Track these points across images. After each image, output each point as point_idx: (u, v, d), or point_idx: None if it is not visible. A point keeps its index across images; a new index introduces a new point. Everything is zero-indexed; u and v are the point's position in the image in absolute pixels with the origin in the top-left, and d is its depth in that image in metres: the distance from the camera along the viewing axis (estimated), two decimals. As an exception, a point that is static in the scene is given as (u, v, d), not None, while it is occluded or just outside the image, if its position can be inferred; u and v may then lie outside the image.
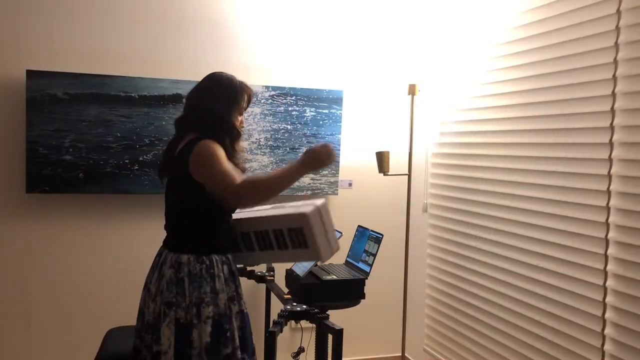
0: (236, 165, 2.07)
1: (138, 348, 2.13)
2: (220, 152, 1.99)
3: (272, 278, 3.08)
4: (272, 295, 3.11)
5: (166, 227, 2.16)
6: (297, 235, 2.09)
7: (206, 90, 2.11)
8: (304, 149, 3.39)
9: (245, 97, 2.16)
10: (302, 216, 2.05)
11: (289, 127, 3.42)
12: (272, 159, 3.39)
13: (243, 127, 2.18)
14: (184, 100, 2.23)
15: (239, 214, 2.25)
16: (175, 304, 2.01)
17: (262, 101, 3.35)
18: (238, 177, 1.97)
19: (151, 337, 2.05)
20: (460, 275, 3.13)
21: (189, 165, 1.99)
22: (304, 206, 2.10)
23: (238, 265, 2.23)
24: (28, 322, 3.14)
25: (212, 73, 2.16)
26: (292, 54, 3.49)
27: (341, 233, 2.92)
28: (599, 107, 2.26)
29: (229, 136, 2.08)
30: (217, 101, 2.07)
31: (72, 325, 3.20)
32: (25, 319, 3.13)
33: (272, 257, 2.22)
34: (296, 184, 3.41)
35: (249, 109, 3.30)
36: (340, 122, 3.51)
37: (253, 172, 3.35)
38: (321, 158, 2.00)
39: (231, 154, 2.06)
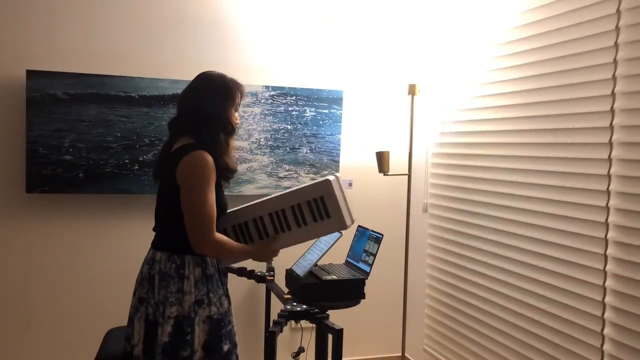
0: (227, 165, 2.08)
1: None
2: (209, 173, 1.98)
3: (272, 278, 3.08)
4: (272, 295, 3.11)
5: (154, 229, 2.19)
6: (317, 207, 2.11)
7: (200, 90, 2.10)
8: (303, 149, 3.43)
9: (238, 94, 2.15)
10: (325, 183, 2.10)
11: (289, 127, 3.42)
12: (272, 159, 3.39)
13: (238, 124, 2.18)
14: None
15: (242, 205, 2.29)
16: (146, 299, 2.04)
17: (262, 101, 3.35)
18: (214, 226, 1.99)
19: (130, 331, 2.09)
20: (460, 275, 3.13)
21: (176, 168, 1.99)
22: (320, 178, 2.16)
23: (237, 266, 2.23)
24: (28, 322, 3.14)
25: (202, 73, 2.16)
26: (292, 54, 3.50)
27: (341, 233, 2.92)
28: (599, 107, 2.26)
29: (225, 132, 2.08)
30: (211, 99, 2.07)
31: (72, 325, 3.20)
32: (25, 319, 3.13)
33: (289, 239, 2.19)
34: (296, 183, 3.43)
35: (249, 109, 3.32)
36: (340, 122, 3.51)
37: (252, 171, 3.36)
38: (262, 254, 2.16)
39: (224, 152, 2.07)
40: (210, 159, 1.99)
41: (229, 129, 2.11)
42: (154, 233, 2.17)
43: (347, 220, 2.15)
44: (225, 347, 2.08)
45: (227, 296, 2.19)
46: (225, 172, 2.09)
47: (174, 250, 2.06)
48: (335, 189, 2.11)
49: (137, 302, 2.08)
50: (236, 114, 2.17)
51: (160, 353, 1.98)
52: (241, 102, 2.21)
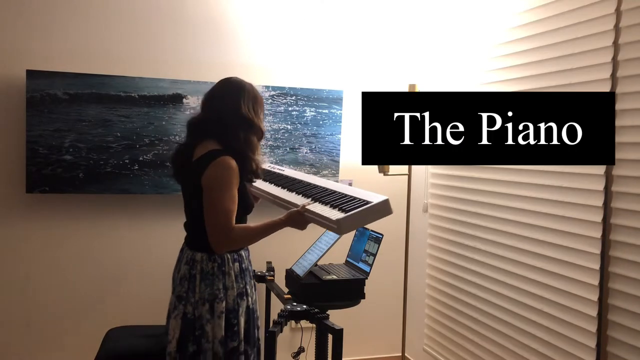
0: (257, 167, 2.17)
1: None
2: (234, 180, 2.07)
3: (272, 278, 3.08)
4: (272, 295, 3.11)
5: (185, 225, 2.26)
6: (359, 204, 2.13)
7: (233, 94, 2.16)
8: (303, 149, 3.43)
9: (263, 103, 2.27)
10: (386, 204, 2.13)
11: (289, 127, 3.42)
12: (272, 159, 3.39)
13: (264, 132, 2.27)
14: (198, 103, 2.29)
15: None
16: (185, 298, 2.12)
17: (262, 101, 3.35)
18: (232, 225, 2.06)
19: (167, 327, 2.18)
20: (460, 275, 3.13)
21: (204, 173, 2.06)
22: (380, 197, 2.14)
23: None
24: (28, 322, 3.14)
25: (229, 78, 2.23)
26: (292, 54, 3.50)
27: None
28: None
29: (255, 133, 2.17)
30: (247, 104, 2.15)
31: (72, 325, 3.20)
32: (25, 319, 3.13)
33: (318, 215, 2.16)
34: (296, 184, 3.43)
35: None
36: (340, 122, 3.51)
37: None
38: (299, 222, 2.18)
39: (254, 154, 2.15)
40: (234, 164, 2.07)
41: (258, 132, 2.19)
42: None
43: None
44: (257, 334, 2.25)
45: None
46: (252, 175, 2.18)
47: (213, 250, 2.12)
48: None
49: (175, 300, 2.16)
50: (262, 123, 2.25)
51: (218, 347, 2.07)
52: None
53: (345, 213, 2.06)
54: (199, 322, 2.09)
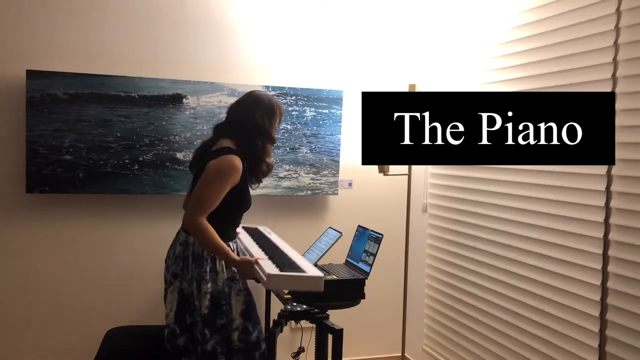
0: (264, 168, 2.46)
1: None
2: (230, 178, 2.30)
3: (272, 278, 3.07)
4: (272, 295, 3.11)
5: (183, 206, 2.51)
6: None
7: (250, 104, 2.46)
8: (303, 149, 3.43)
9: (278, 114, 2.51)
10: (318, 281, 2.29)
11: (289, 127, 3.42)
12: (272, 159, 3.38)
13: (275, 139, 2.54)
14: (226, 110, 2.55)
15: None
16: (180, 275, 2.34)
17: (262, 101, 3.35)
18: (205, 213, 2.29)
19: (164, 303, 2.42)
20: (460, 275, 3.13)
21: (211, 161, 2.31)
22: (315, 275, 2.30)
23: None
24: (28, 322, 3.14)
25: (253, 91, 2.54)
26: (292, 54, 3.50)
27: (341, 233, 2.93)
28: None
29: (266, 140, 2.44)
30: (260, 113, 2.44)
31: (72, 325, 3.20)
32: (25, 319, 3.13)
33: (267, 269, 2.32)
34: (296, 184, 3.43)
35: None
36: (340, 122, 3.51)
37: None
38: (244, 270, 2.35)
39: (262, 156, 2.44)
40: (239, 164, 2.32)
41: (269, 139, 2.46)
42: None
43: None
44: (254, 311, 2.43)
45: None
46: (260, 174, 2.48)
47: None
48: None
49: (171, 277, 2.37)
50: (274, 131, 2.51)
51: (200, 322, 2.30)
52: (281, 122, 2.59)
53: (280, 271, 2.23)
54: (191, 298, 2.32)
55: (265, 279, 2.19)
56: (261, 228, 3.20)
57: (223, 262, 2.33)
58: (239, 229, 2.89)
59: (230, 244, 2.41)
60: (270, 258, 2.42)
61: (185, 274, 2.33)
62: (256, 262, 2.33)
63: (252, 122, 2.41)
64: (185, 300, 2.34)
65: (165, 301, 2.41)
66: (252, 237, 2.87)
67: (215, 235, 2.28)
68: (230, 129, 2.44)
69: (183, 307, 2.34)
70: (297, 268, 2.31)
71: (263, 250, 2.59)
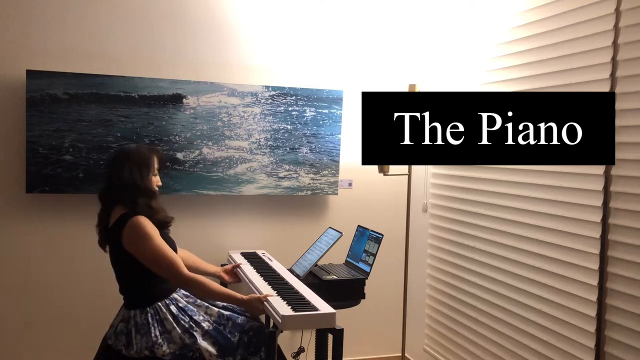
0: (158, 221, 2.38)
1: None
2: (151, 231, 2.31)
3: (272, 278, 3.08)
4: (272, 295, 3.10)
5: (120, 291, 2.49)
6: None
7: (119, 164, 2.41)
8: (303, 149, 3.43)
9: (155, 159, 2.47)
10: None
11: (289, 127, 3.42)
12: (272, 159, 3.39)
13: (159, 184, 2.50)
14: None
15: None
16: (126, 350, 2.31)
17: (262, 101, 3.35)
18: (181, 266, 2.33)
19: None
20: (460, 275, 3.13)
21: (122, 239, 2.31)
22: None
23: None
24: (28, 322, 3.14)
25: (122, 148, 2.53)
26: (292, 54, 3.50)
27: (341, 233, 2.93)
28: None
29: (145, 197, 2.38)
30: (129, 172, 2.38)
31: (72, 326, 3.20)
32: (25, 319, 3.13)
33: (276, 306, 2.35)
34: (296, 184, 3.43)
35: (249, 109, 3.32)
36: (340, 122, 3.51)
37: (252, 171, 3.35)
38: (253, 309, 2.41)
39: (152, 213, 2.36)
40: (143, 219, 2.31)
41: (148, 194, 2.40)
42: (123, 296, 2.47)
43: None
44: (228, 339, 2.40)
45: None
46: (165, 224, 2.42)
47: (144, 304, 2.36)
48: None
49: (106, 351, 2.36)
50: (156, 178, 2.48)
51: None
52: (162, 165, 2.54)
53: (294, 312, 2.24)
54: None
55: (280, 320, 2.20)
56: (260, 252, 3.22)
57: (171, 319, 2.33)
58: (241, 259, 2.99)
59: (175, 295, 2.41)
60: (279, 294, 2.44)
61: (130, 348, 2.31)
62: (265, 299, 2.34)
63: (125, 182, 2.37)
64: None
65: None
66: (254, 267, 2.88)
67: (214, 285, 2.35)
68: (113, 197, 2.40)
69: None
70: (309, 306, 2.31)
71: (269, 284, 2.60)
